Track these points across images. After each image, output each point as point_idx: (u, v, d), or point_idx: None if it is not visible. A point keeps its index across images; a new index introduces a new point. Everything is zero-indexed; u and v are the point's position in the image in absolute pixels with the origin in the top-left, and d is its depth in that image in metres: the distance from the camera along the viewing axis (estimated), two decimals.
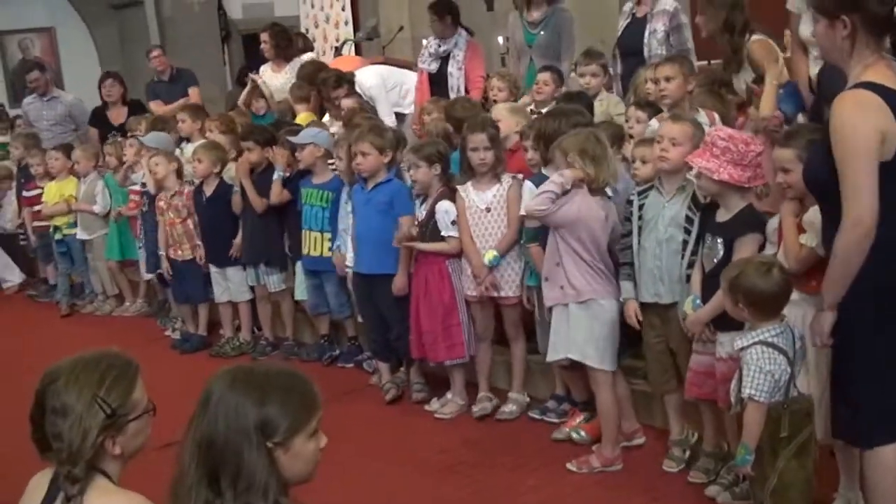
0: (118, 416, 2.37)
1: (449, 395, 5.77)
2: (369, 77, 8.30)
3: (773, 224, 4.16)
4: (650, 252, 4.52)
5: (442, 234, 5.55)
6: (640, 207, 4.58)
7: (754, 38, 5.76)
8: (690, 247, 4.38)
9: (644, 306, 4.61)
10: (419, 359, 5.87)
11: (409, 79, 8.51)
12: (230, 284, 7.25)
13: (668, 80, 5.33)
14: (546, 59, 7.32)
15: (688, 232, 4.40)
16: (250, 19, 14.65)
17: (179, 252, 7.46)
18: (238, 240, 7.11)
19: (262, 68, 9.26)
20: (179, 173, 7.47)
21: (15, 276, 10.35)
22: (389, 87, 8.36)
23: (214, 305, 7.52)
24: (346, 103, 7.58)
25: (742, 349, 3.61)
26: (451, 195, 5.56)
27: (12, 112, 13.32)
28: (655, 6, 6.93)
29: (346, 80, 7.84)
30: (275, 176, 6.74)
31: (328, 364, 6.79)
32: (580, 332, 4.75)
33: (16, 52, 14.93)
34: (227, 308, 7.40)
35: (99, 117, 10.14)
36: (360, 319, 6.51)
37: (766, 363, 3.53)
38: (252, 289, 7.24)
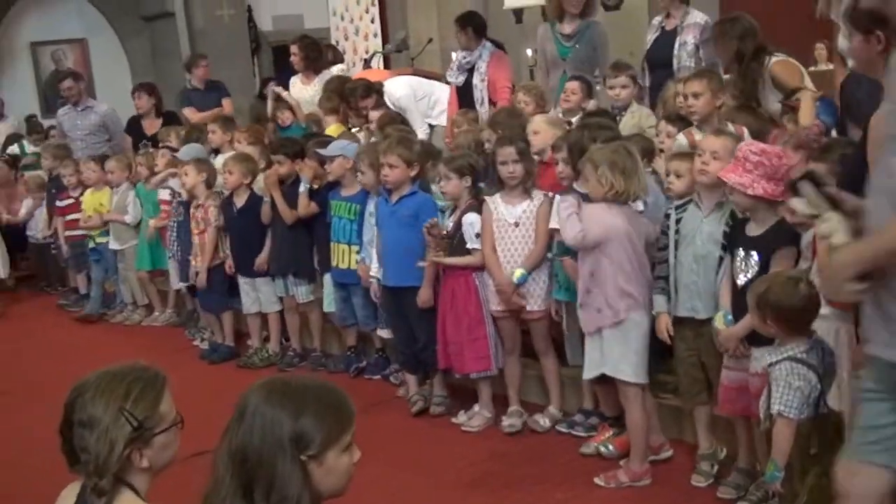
0: (145, 429, 2.38)
1: (476, 408, 5.75)
2: (399, 87, 8.32)
3: (807, 238, 4.13)
4: (686, 267, 4.50)
5: (468, 246, 5.54)
6: (678, 222, 4.56)
7: (774, 59, 5.74)
8: (727, 263, 4.35)
9: (677, 320, 4.59)
10: (445, 369, 5.86)
11: (438, 90, 8.52)
12: (260, 295, 7.28)
13: (696, 96, 5.31)
14: (581, 72, 7.29)
15: (724, 248, 4.37)
16: (280, 31, 14.75)
17: (194, 263, 7.55)
18: (264, 254, 7.14)
19: (292, 80, 9.31)
20: (209, 184, 7.52)
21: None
22: (419, 98, 8.38)
23: (242, 316, 7.55)
24: (374, 115, 7.60)
25: (771, 365, 3.58)
26: (479, 207, 5.55)
27: (45, 122, 13.48)
28: (686, 19, 6.93)
29: (374, 90, 7.86)
30: (301, 188, 6.76)
31: (355, 376, 6.80)
32: (614, 348, 4.72)
33: (49, 64, 15.06)
34: (255, 319, 7.41)
35: (134, 127, 10.21)
36: (380, 332, 6.50)
37: (795, 379, 3.50)
38: (281, 300, 7.27)
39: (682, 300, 4.54)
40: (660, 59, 6.96)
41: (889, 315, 2.65)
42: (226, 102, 10.18)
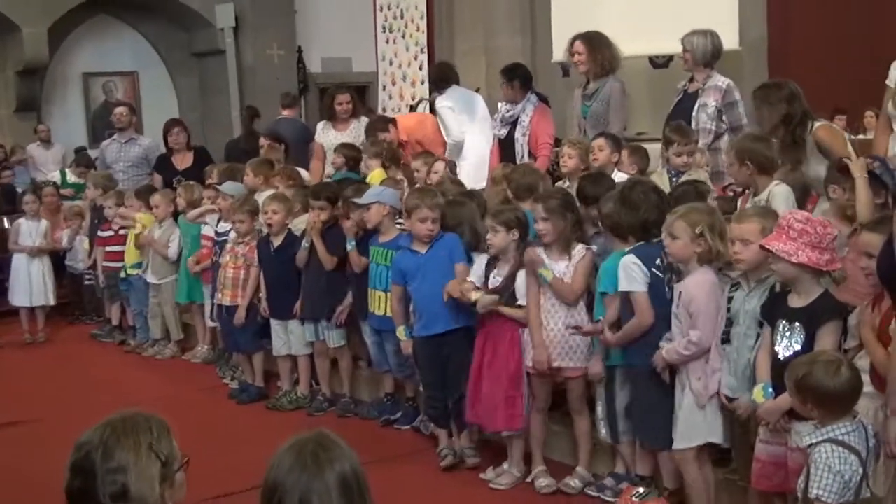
0: (169, 465, 2.37)
1: (505, 466, 5.64)
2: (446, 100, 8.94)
3: (854, 318, 4.01)
4: (733, 345, 4.42)
5: (519, 302, 5.45)
6: (730, 300, 4.48)
7: (817, 124, 5.69)
8: (765, 334, 4.25)
9: None
10: (471, 424, 5.77)
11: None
12: (291, 337, 7.24)
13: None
14: (597, 128, 7.26)
15: (761, 325, 4.26)
16: (328, 73, 14.89)
17: (219, 296, 7.54)
18: (300, 302, 7.12)
19: (321, 125, 9.45)
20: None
21: None
22: (458, 112, 8.84)
23: (273, 357, 7.49)
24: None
25: (811, 446, 3.45)
26: None
27: (93, 154, 13.60)
28: (707, 82, 6.92)
29: (391, 122, 8.39)
30: (348, 247, 6.68)
31: (384, 425, 6.71)
32: (698, 419, 4.60)
33: (99, 94, 15.24)
34: (285, 361, 7.37)
35: (165, 164, 10.24)
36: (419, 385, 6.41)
37: (835, 463, 3.36)
38: (311, 344, 7.22)
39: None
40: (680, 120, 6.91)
41: None
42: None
